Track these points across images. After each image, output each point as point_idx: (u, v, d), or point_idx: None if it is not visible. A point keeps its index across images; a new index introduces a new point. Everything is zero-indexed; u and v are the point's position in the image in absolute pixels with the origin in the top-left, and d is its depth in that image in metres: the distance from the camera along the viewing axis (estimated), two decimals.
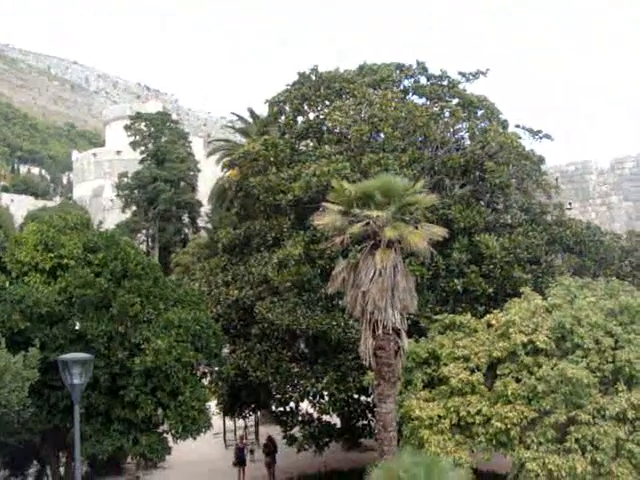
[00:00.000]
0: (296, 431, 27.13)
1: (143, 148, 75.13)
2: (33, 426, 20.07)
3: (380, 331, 16.92)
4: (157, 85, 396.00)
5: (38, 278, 20.96)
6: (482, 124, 28.21)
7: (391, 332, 17.12)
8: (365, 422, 26.13)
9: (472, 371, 18.40)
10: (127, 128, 76.71)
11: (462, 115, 28.32)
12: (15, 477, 26.20)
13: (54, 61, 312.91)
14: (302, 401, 26.45)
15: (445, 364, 18.82)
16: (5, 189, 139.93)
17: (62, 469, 23.93)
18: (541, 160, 29.26)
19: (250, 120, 56.06)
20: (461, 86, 30.42)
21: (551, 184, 31.13)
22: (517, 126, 30.14)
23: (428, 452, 16.13)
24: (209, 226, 62.46)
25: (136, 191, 74.08)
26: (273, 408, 28.48)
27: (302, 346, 26.28)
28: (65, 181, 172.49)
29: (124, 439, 20.50)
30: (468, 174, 27.21)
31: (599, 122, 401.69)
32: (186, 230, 76.32)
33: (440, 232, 17.97)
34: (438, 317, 21.05)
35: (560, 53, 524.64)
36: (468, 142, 28.14)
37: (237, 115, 60.56)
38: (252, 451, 34.07)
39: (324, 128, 28.57)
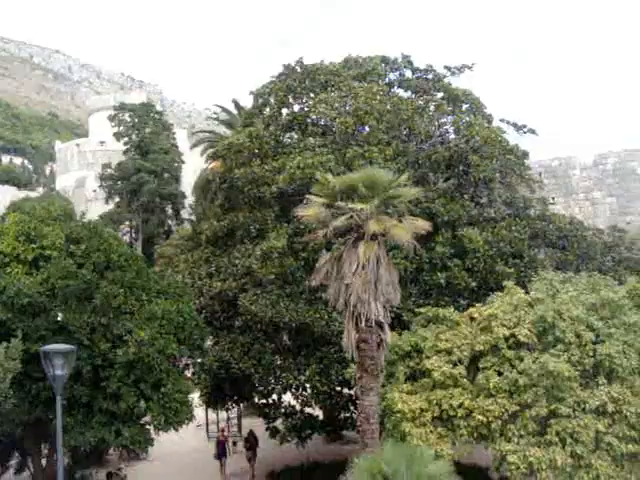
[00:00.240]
0: (279, 423, 27.24)
1: (127, 139, 74.60)
2: (15, 417, 19.88)
3: (363, 324, 17.01)
4: (141, 76, 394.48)
5: (20, 269, 20.76)
6: (467, 118, 28.24)
7: (374, 325, 17.21)
8: (348, 414, 26.14)
9: (454, 364, 18.49)
10: (111, 119, 76.21)
11: (447, 109, 28.45)
12: None
13: (36, 50, 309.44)
14: (285, 393, 26.48)
15: (428, 357, 18.88)
16: None
17: (44, 461, 23.77)
18: (525, 155, 29.35)
19: (235, 112, 55.94)
20: (446, 80, 30.52)
21: (535, 179, 31.30)
22: (502, 120, 30.33)
23: (410, 444, 16.19)
24: (193, 218, 62.21)
25: (119, 182, 73.66)
26: (256, 400, 28.48)
27: (285, 338, 26.25)
28: (48, 172, 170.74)
29: (106, 431, 20.37)
30: (452, 168, 27.29)
31: (583, 118, 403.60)
32: (170, 222, 76.04)
33: (424, 226, 18.05)
34: (421, 310, 21.07)
35: (550, 50, 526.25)
36: (453, 136, 28.18)
37: (221, 107, 60.41)
38: (235, 443, 34.22)
39: (309, 120, 28.46)
